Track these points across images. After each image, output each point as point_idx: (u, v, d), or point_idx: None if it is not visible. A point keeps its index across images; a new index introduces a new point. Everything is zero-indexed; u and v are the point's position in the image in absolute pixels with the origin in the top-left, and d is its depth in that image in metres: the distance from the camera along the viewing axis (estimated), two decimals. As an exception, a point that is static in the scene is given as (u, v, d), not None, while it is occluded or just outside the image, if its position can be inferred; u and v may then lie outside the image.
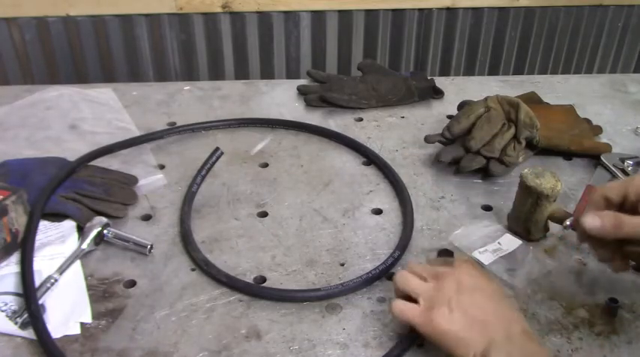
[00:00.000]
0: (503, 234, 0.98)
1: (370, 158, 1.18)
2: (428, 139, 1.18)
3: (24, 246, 0.91)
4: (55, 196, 1.00)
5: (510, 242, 0.97)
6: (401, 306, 0.78)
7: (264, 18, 1.83)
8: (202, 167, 1.08)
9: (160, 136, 1.21)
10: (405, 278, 0.80)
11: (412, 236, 0.98)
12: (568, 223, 0.94)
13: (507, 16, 1.93)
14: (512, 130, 1.13)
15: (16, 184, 0.98)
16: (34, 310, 0.81)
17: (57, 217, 0.98)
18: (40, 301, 0.84)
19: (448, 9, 1.88)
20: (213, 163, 1.08)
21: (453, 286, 0.75)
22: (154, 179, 1.11)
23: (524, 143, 1.13)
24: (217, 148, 1.09)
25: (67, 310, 0.83)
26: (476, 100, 1.21)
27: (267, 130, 1.27)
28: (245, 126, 1.28)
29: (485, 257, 0.93)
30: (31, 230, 0.92)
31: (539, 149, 1.18)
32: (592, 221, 0.76)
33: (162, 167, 1.15)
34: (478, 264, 0.83)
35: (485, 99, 1.17)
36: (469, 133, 1.13)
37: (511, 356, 0.69)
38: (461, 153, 1.12)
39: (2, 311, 0.83)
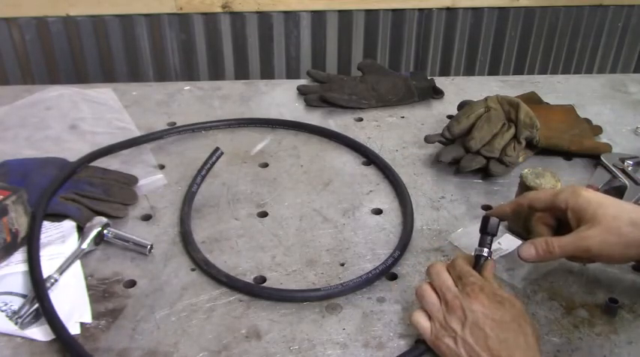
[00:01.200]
0: (504, 234, 0.98)
1: (370, 158, 1.18)
2: (428, 139, 1.18)
3: (30, 249, 0.90)
4: (56, 197, 1.00)
5: (510, 242, 0.97)
6: (417, 319, 0.78)
7: (264, 18, 1.83)
8: (202, 167, 1.08)
9: (159, 136, 1.21)
10: (422, 292, 0.79)
11: (412, 236, 0.98)
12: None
13: (507, 16, 1.93)
14: (512, 130, 1.12)
15: (16, 184, 0.98)
16: (48, 307, 0.81)
17: (57, 217, 0.98)
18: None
19: (448, 9, 1.88)
20: (213, 163, 1.08)
21: (460, 317, 0.74)
22: (154, 179, 1.11)
23: (524, 143, 1.13)
24: (217, 148, 1.09)
25: (67, 310, 0.83)
26: (476, 100, 1.21)
27: (268, 130, 1.27)
28: (245, 126, 1.28)
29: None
30: (34, 232, 0.92)
31: (540, 149, 1.18)
32: (527, 251, 0.81)
33: (162, 167, 1.15)
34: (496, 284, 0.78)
35: (486, 99, 1.17)
36: (469, 133, 1.13)
37: None
38: (461, 153, 1.12)
39: (2, 311, 0.83)
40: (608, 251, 0.77)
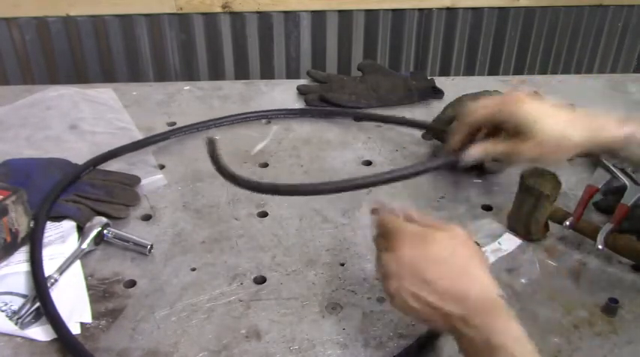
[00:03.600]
0: (503, 234, 0.98)
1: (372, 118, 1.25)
2: (425, 137, 1.19)
3: (32, 253, 0.90)
4: (58, 201, 1.00)
5: (510, 242, 0.97)
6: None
7: (264, 18, 1.83)
8: None
9: (165, 137, 1.20)
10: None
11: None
12: (568, 223, 0.94)
13: (507, 16, 1.93)
14: None
15: (19, 184, 0.97)
16: (50, 309, 0.81)
17: (56, 217, 0.98)
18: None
19: (448, 9, 1.88)
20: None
21: (394, 271, 0.69)
22: (154, 179, 1.11)
23: None
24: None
25: (67, 310, 0.83)
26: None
27: (268, 129, 1.27)
28: (249, 120, 1.27)
29: (487, 257, 0.93)
30: (37, 236, 0.93)
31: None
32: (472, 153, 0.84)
33: (162, 167, 1.15)
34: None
35: (477, 93, 1.18)
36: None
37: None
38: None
39: (2, 311, 0.83)
40: (539, 158, 0.84)
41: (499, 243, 0.96)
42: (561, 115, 0.82)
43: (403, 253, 0.69)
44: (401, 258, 0.69)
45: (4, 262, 0.91)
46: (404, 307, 0.70)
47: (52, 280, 0.87)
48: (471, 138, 0.86)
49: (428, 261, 0.68)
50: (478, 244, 0.81)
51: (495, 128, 0.85)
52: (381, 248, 0.73)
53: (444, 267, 0.68)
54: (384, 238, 0.73)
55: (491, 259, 0.93)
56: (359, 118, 1.30)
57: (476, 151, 0.84)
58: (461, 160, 0.85)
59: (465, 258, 0.70)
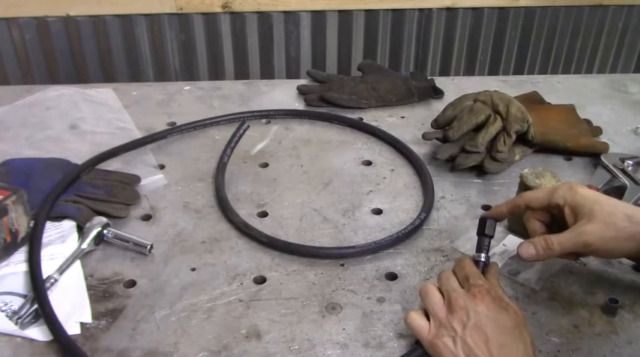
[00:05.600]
0: (507, 235, 0.98)
1: (378, 135, 1.24)
2: (425, 136, 1.19)
3: (31, 254, 0.90)
4: (58, 201, 1.00)
5: (515, 242, 0.96)
6: (414, 320, 0.77)
7: (264, 18, 1.83)
8: (231, 140, 1.16)
9: (163, 135, 1.21)
10: (425, 290, 0.79)
11: (412, 235, 0.98)
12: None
13: (507, 16, 1.92)
14: (499, 123, 1.11)
15: (19, 183, 0.98)
16: (48, 312, 0.81)
17: (56, 217, 0.98)
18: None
19: (448, 9, 1.88)
20: (241, 135, 1.16)
21: (462, 317, 0.73)
22: (154, 179, 1.11)
23: (514, 137, 1.12)
24: (244, 121, 1.16)
25: (67, 310, 0.83)
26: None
27: (268, 129, 1.27)
28: (251, 119, 1.28)
29: (495, 260, 0.92)
30: (36, 236, 0.93)
31: (537, 148, 1.18)
32: (527, 250, 0.81)
33: (162, 167, 1.15)
34: (502, 294, 0.77)
35: (478, 93, 1.17)
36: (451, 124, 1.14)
37: None
38: (457, 151, 1.12)
39: (2, 311, 0.83)
40: (606, 246, 0.78)
41: (504, 245, 0.96)
42: (618, 202, 0.80)
43: (483, 308, 0.73)
44: (478, 308, 0.73)
45: (4, 262, 0.91)
46: (441, 349, 0.73)
47: (52, 280, 0.87)
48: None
49: (498, 325, 0.72)
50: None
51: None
52: (456, 290, 0.76)
53: (507, 337, 0.71)
54: (465, 282, 0.77)
55: (501, 262, 0.93)
56: (353, 126, 1.29)
57: (537, 249, 0.80)
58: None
59: (524, 341, 0.72)
